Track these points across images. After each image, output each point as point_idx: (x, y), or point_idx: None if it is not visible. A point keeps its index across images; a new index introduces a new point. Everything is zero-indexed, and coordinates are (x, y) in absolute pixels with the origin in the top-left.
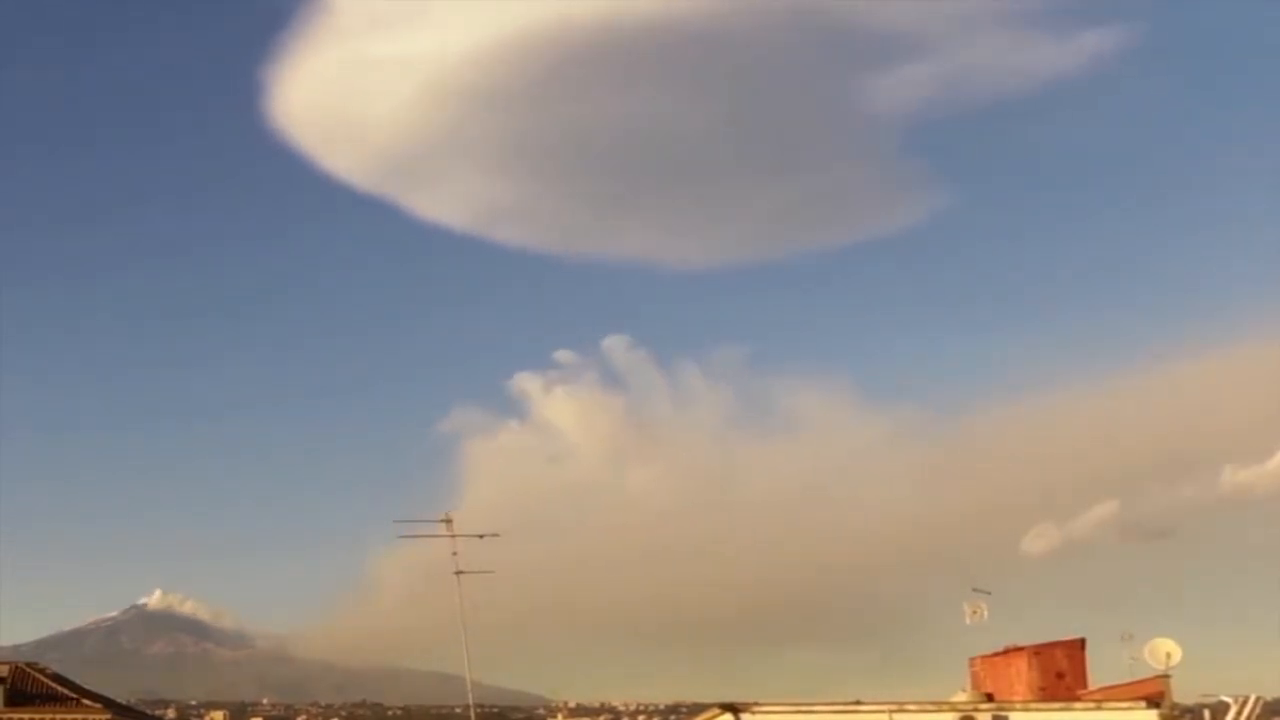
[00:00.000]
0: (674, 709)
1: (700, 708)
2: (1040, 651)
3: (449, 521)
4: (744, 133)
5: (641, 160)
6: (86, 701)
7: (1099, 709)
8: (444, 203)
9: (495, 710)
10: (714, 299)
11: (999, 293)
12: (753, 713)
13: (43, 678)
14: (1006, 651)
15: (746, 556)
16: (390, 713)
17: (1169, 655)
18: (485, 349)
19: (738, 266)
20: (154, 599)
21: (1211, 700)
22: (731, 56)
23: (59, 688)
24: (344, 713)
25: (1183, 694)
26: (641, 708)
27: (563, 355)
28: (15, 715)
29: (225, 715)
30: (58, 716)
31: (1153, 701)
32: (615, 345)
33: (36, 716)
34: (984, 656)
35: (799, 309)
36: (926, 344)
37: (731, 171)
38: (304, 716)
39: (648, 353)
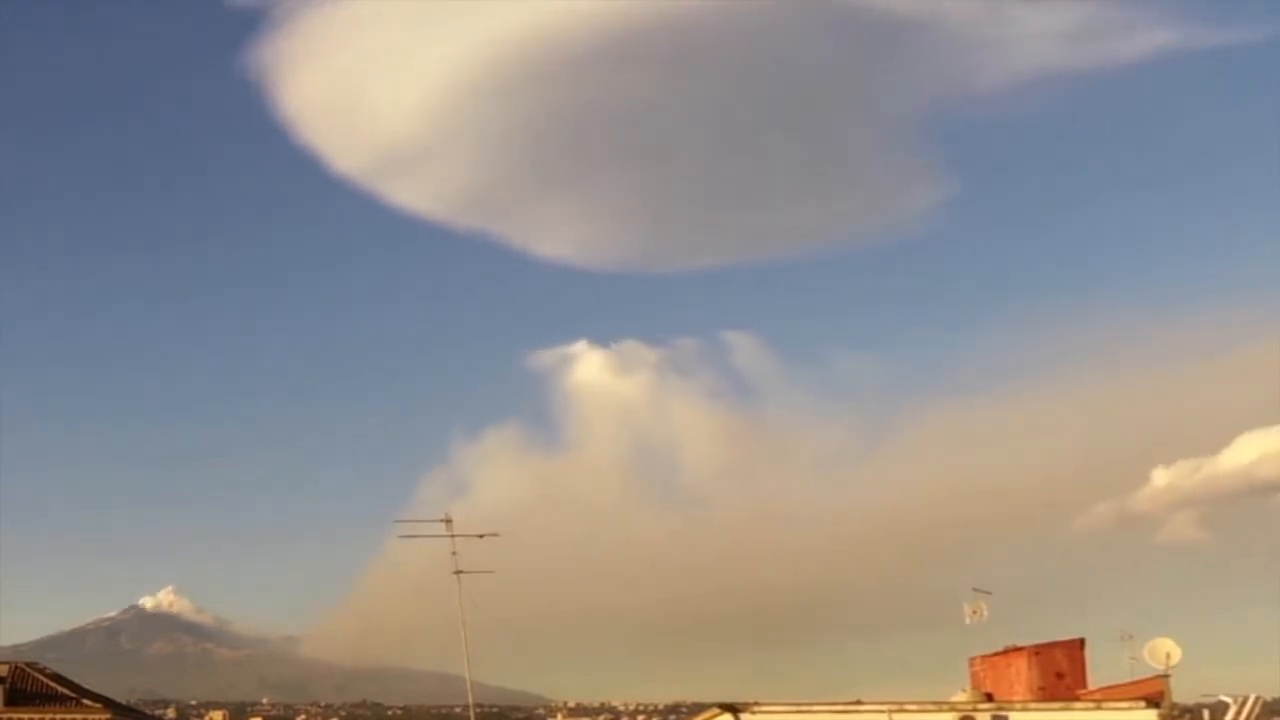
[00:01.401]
0: (674, 709)
1: (700, 707)
2: (1040, 651)
3: (449, 521)
4: (756, 125)
5: (642, 153)
6: (86, 701)
7: (1099, 709)
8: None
9: (495, 710)
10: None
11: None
12: (753, 713)
13: (43, 678)
14: (1006, 651)
15: (783, 561)
16: (390, 713)
17: (1169, 655)
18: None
19: (748, 265)
20: (154, 599)
21: (1211, 700)
22: (744, 46)
23: (59, 688)
24: (344, 713)
25: (1183, 694)
26: (641, 708)
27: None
28: (15, 715)
29: (225, 715)
30: (58, 716)
31: (1152, 701)
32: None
33: (36, 716)
34: (984, 656)
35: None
36: (951, 341)
37: (738, 167)
38: (304, 716)
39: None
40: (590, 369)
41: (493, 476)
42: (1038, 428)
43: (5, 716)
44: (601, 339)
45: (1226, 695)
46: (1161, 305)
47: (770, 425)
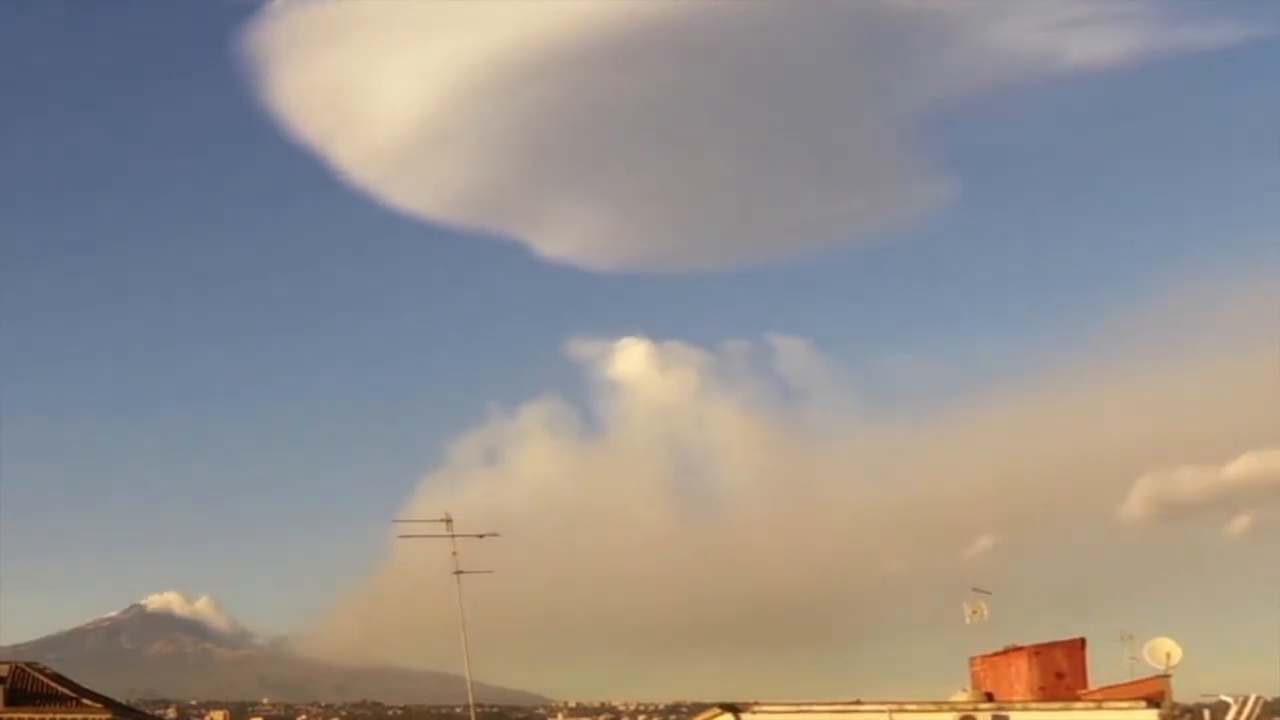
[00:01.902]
0: (674, 709)
1: (700, 707)
2: (1040, 651)
3: (449, 521)
4: (757, 124)
5: (642, 153)
6: (86, 701)
7: (1099, 709)
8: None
9: (495, 710)
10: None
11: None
12: (753, 712)
13: (43, 678)
14: (1006, 651)
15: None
16: (390, 713)
17: (1169, 655)
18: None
19: (748, 266)
20: (154, 599)
21: (1211, 700)
22: (745, 45)
23: (59, 688)
24: (344, 713)
25: (1183, 694)
26: (641, 708)
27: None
28: (15, 715)
29: (225, 715)
30: (58, 716)
31: (1153, 701)
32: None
33: (36, 716)
34: (984, 656)
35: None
36: (953, 340)
37: (738, 167)
38: (304, 716)
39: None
40: (630, 364)
41: (524, 455)
42: (1038, 426)
43: (5, 716)
44: (600, 334)
45: (1227, 695)
46: (1161, 304)
47: (787, 425)
